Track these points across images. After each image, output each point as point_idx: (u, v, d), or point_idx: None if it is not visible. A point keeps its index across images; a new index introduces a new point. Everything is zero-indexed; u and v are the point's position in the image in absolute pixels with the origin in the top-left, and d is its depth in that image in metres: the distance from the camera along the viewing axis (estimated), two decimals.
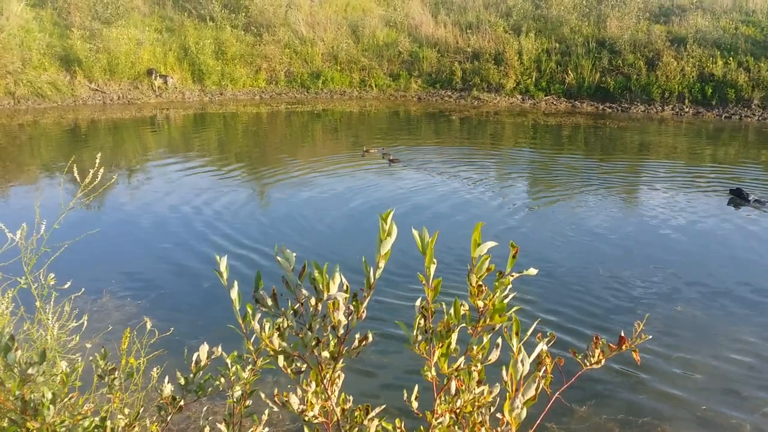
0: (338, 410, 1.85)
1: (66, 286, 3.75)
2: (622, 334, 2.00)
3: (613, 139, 19.27)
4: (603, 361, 2.03)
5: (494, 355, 1.72)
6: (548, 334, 2.02)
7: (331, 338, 1.82)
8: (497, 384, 1.80)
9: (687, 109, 23.87)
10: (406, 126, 21.65)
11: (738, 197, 12.33)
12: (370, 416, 1.90)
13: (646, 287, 8.19)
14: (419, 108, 24.74)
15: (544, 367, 1.92)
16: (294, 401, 1.79)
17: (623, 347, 2.00)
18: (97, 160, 3.77)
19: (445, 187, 12.90)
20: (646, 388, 5.94)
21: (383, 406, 1.96)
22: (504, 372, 1.65)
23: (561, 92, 25.82)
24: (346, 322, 1.75)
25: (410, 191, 12.61)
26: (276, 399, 1.81)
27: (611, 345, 2.02)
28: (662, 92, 24.43)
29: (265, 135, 19.54)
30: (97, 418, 2.47)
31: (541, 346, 1.92)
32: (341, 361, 1.83)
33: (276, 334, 1.76)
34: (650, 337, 2.01)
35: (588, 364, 2.02)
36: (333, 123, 22.18)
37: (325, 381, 1.83)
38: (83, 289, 4.03)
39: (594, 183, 13.57)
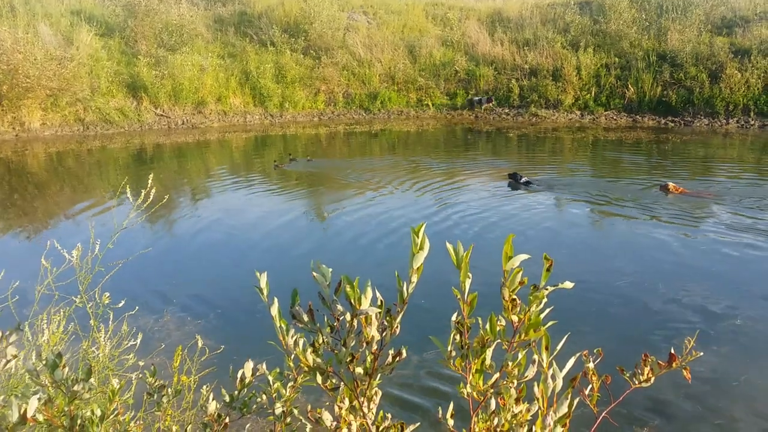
0: (374, 429, 1.82)
1: (120, 304, 3.83)
2: (672, 352, 1.92)
3: (677, 153, 18.79)
4: (652, 380, 1.95)
5: (531, 372, 1.66)
6: (595, 351, 1.96)
7: (367, 354, 1.79)
8: (536, 402, 1.75)
9: (753, 122, 23.15)
10: (463, 144, 21.59)
11: (514, 180, 14.48)
12: None
13: (697, 304, 7.92)
14: (476, 126, 24.66)
15: (591, 385, 1.85)
16: (327, 418, 1.77)
17: (673, 365, 1.92)
18: (149, 181, 3.86)
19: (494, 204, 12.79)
20: (703, 408, 5.70)
21: (418, 424, 1.92)
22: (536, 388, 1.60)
23: (621, 107, 25.39)
24: (379, 337, 1.72)
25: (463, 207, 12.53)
26: (310, 416, 1.80)
27: (660, 363, 1.94)
28: (726, 105, 23.75)
29: (324, 155, 19.75)
30: None
31: (587, 363, 1.86)
32: (377, 377, 1.80)
33: (310, 350, 1.75)
34: (701, 354, 1.92)
35: (636, 382, 1.95)
36: (390, 143, 22.28)
37: (361, 398, 1.80)
38: (137, 307, 4.10)
39: (653, 197, 13.25)
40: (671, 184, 13.41)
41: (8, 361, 2.19)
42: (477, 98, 26.83)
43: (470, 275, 1.67)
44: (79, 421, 2.24)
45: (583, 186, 14.63)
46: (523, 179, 14.35)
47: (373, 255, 10.05)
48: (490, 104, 26.64)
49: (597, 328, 7.30)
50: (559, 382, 1.57)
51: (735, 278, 8.85)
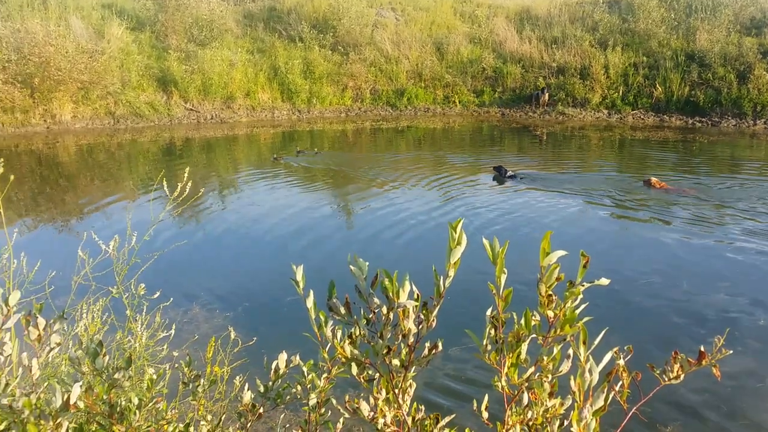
0: (409, 420, 1.87)
1: (156, 295, 3.91)
2: (702, 349, 1.94)
3: (703, 153, 18.65)
4: (682, 377, 1.97)
5: (565, 366, 1.70)
6: (626, 348, 1.99)
7: (402, 347, 1.84)
8: (569, 396, 1.78)
9: None
10: (489, 142, 21.57)
11: (499, 173, 14.84)
12: (440, 425, 1.90)
13: (719, 305, 7.88)
14: (503, 123, 24.61)
15: (621, 381, 1.88)
16: (365, 408, 1.82)
17: (703, 362, 1.94)
18: (185, 175, 3.93)
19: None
20: (728, 409, 5.68)
21: (453, 416, 1.97)
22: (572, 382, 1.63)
23: (648, 106, 25.17)
24: (416, 330, 1.77)
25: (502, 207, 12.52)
26: (347, 405, 1.85)
27: (690, 360, 1.96)
28: (754, 106, 23.47)
29: (350, 150, 19.84)
30: (181, 425, 2.56)
31: (618, 360, 1.88)
32: (412, 369, 1.85)
33: (347, 342, 1.80)
34: (731, 352, 1.94)
35: (666, 379, 1.97)
36: (416, 139, 22.32)
37: (396, 390, 1.85)
38: (171, 299, 4.18)
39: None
40: (653, 179, 13.79)
41: (52, 349, 2.24)
42: (536, 92, 26.30)
43: (505, 271, 1.71)
44: (118, 409, 2.29)
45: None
46: (509, 173, 14.68)
47: (392, 248, 10.09)
48: (546, 95, 26.20)
49: (621, 326, 7.29)
50: (596, 376, 1.61)
51: (755, 280, 8.78)
